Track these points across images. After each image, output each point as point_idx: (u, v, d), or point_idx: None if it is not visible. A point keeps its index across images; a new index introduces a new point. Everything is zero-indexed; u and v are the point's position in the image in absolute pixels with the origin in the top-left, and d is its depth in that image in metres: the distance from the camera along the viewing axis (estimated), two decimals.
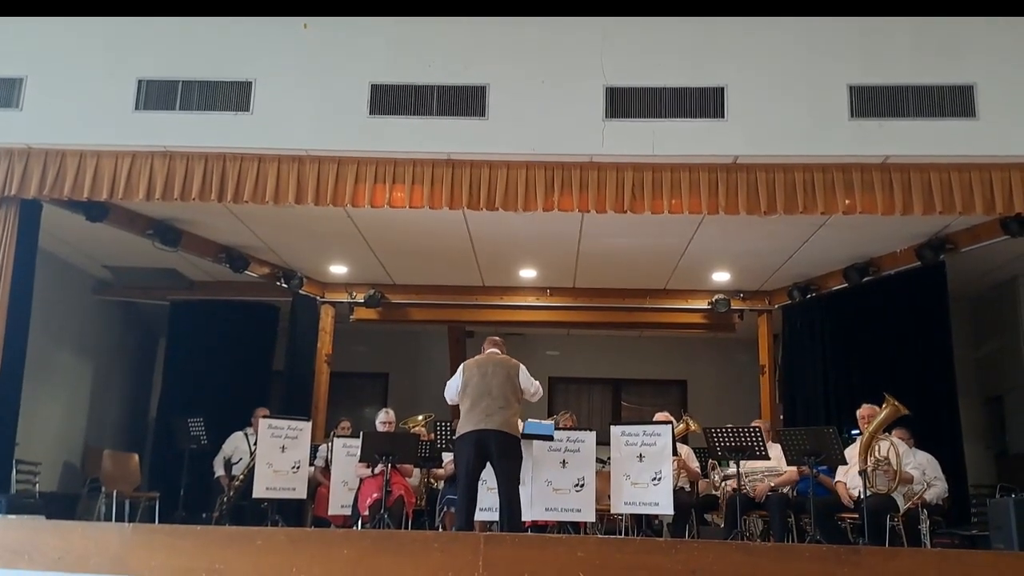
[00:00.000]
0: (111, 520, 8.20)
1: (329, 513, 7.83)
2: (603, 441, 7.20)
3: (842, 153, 6.70)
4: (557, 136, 6.83)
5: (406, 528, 7.30)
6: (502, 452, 6.12)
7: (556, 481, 6.93)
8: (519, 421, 6.54)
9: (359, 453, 7.34)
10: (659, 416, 7.57)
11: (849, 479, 6.81)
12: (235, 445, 8.89)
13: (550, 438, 6.94)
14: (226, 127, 6.97)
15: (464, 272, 9.76)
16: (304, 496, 8.01)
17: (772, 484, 7.17)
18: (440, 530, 7.15)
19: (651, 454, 6.92)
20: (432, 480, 8.21)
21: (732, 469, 7.12)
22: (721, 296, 10.01)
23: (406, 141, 6.88)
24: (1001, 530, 6.37)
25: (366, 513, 7.31)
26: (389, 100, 6.95)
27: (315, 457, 8.49)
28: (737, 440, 6.94)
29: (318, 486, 8.43)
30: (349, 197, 6.93)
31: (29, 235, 7.35)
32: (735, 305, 10.10)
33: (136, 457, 9.76)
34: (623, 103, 6.84)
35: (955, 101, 6.66)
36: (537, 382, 6.48)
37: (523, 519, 6.35)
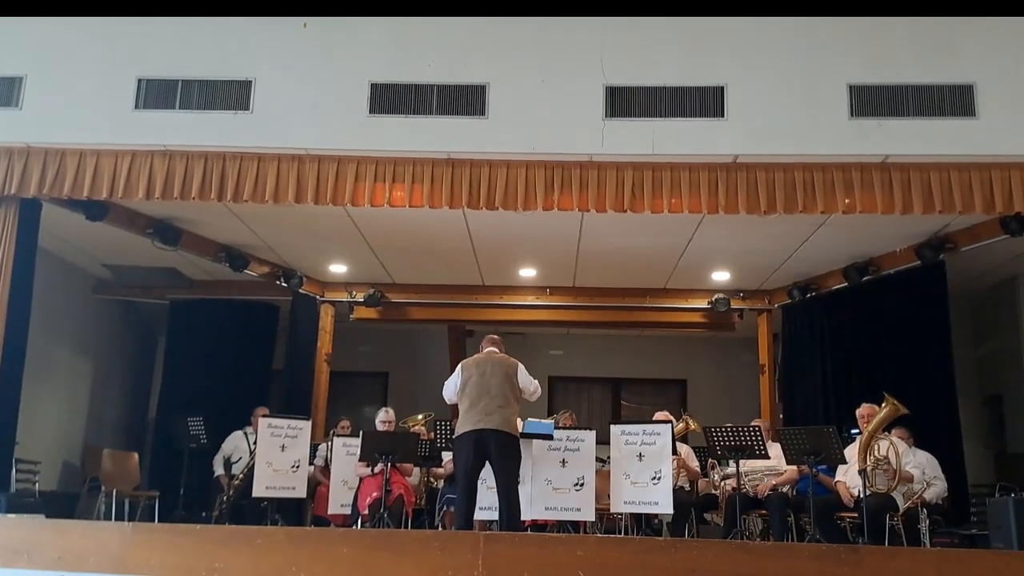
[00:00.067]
0: (111, 519, 8.19)
1: (329, 512, 7.83)
2: (603, 440, 7.20)
3: (842, 152, 6.70)
4: (557, 135, 6.83)
5: (406, 527, 7.31)
6: (501, 451, 6.12)
7: (556, 480, 6.94)
8: (518, 420, 6.54)
9: (359, 452, 7.34)
10: (659, 415, 7.57)
11: (849, 478, 6.81)
12: (235, 444, 8.89)
13: (550, 437, 6.95)
14: (226, 126, 6.97)
15: (464, 271, 9.76)
16: (304, 495, 8.02)
17: (774, 483, 7.18)
18: (440, 529, 7.15)
19: (651, 453, 6.93)
20: (432, 479, 8.21)
21: (732, 468, 7.12)
22: (721, 295, 10.01)
23: (406, 140, 6.89)
24: (1000, 529, 6.37)
25: (366, 512, 7.32)
26: (389, 99, 6.95)
27: (315, 456, 8.49)
28: (737, 439, 6.94)
29: (318, 485, 8.43)
30: (349, 196, 6.93)
31: (29, 234, 7.35)
32: (735, 304, 10.10)
33: (136, 456, 9.76)
34: (623, 102, 6.85)
35: (955, 100, 6.66)
36: (536, 381, 6.48)
37: (523, 518, 6.36)
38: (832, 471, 7.02)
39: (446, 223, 8.01)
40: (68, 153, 7.02)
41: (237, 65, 7.08)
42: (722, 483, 7.67)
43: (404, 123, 6.91)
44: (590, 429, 7.24)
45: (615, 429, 7.16)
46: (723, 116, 6.78)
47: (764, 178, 6.77)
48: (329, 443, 8.41)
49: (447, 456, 7.51)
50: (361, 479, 7.58)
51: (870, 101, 6.71)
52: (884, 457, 6.58)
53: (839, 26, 6.86)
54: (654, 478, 6.86)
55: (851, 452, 6.80)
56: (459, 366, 6.50)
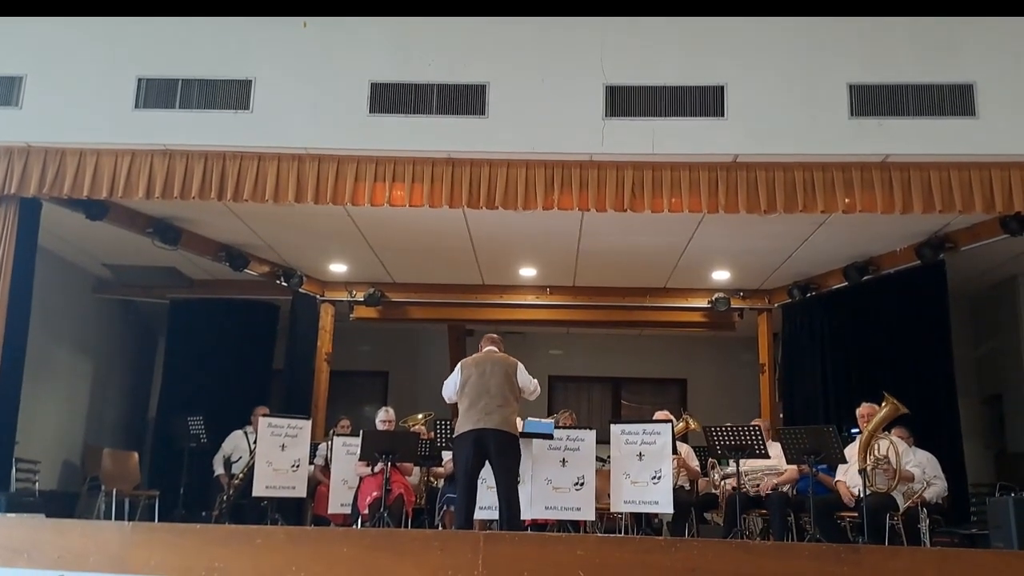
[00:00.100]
0: (111, 519, 8.19)
1: (329, 512, 7.83)
2: (603, 440, 7.19)
3: (842, 152, 6.70)
4: (557, 135, 6.83)
5: (406, 527, 7.30)
6: (500, 450, 6.12)
7: (556, 480, 6.94)
8: (518, 419, 6.54)
9: (359, 452, 7.33)
10: (659, 415, 7.57)
11: (849, 478, 6.81)
12: (235, 444, 8.89)
13: (550, 436, 6.95)
14: (226, 126, 6.97)
15: (464, 271, 9.76)
16: (304, 495, 8.02)
17: (775, 482, 7.17)
18: (440, 529, 7.15)
19: (651, 453, 6.93)
20: (432, 479, 8.21)
21: (732, 468, 7.12)
22: (721, 295, 10.01)
23: (406, 139, 6.89)
24: (1000, 529, 6.37)
25: (366, 512, 7.32)
26: (389, 98, 6.95)
27: (315, 456, 8.49)
28: (737, 439, 6.94)
29: (318, 484, 8.43)
30: (349, 195, 6.93)
31: (29, 233, 7.35)
32: (735, 304, 10.10)
33: (136, 456, 9.77)
34: (623, 102, 6.85)
35: (955, 100, 6.67)
36: (535, 380, 6.49)
37: (523, 518, 6.36)
38: (832, 470, 7.01)
39: (446, 222, 8.01)
40: (68, 152, 7.02)
41: (237, 65, 7.08)
42: (722, 483, 7.68)
43: (404, 123, 6.91)
44: (590, 428, 7.24)
45: (615, 428, 7.16)
46: (723, 116, 6.78)
47: (764, 177, 6.77)
48: (329, 442, 8.41)
49: (447, 455, 7.51)
50: (361, 478, 7.58)
51: (870, 101, 6.71)
52: (884, 456, 6.58)
53: (839, 26, 6.86)
54: (654, 477, 6.86)
55: (851, 451, 6.79)
56: (458, 365, 6.50)
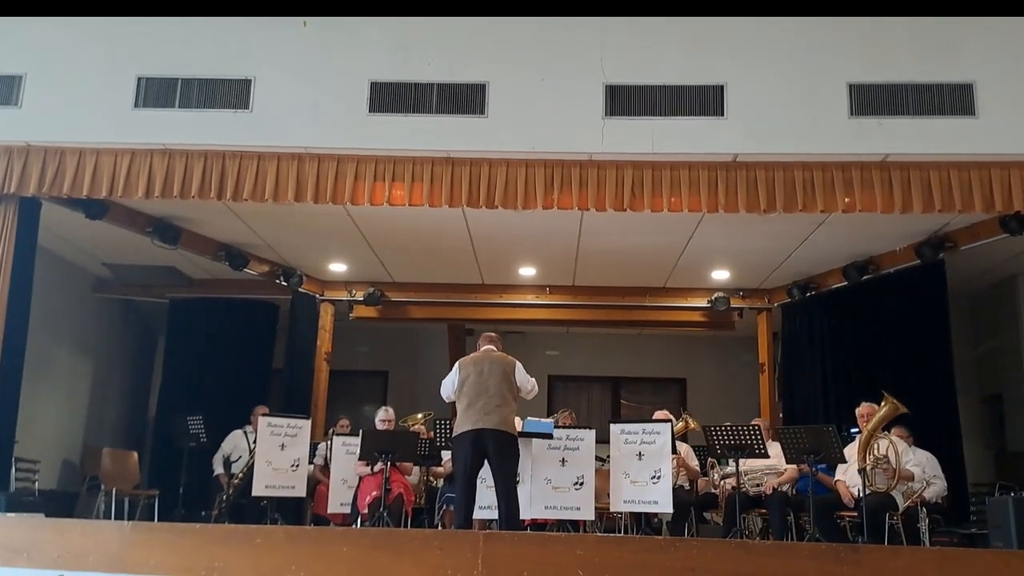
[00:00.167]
0: (110, 518, 8.20)
1: (328, 511, 7.83)
2: (602, 439, 7.20)
3: (841, 151, 6.70)
4: (557, 134, 6.83)
5: (405, 526, 7.30)
6: (499, 450, 6.12)
7: (555, 479, 6.94)
8: (517, 419, 6.54)
9: (358, 451, 7.33)
10: (658, 414, 7.57)
11: (848, 477, 6.81)
12: (234, 443, 8.89)
13: (549, 436, 6.95)
14: (225, 125, 6.97)
15: (464, 270, 9.76)
16: (303, 494, 8.02)
17: (776, 483, 7.17)
18: (439, 528, 7.15)
19: (650, 452, 6.93)
20: (431, 478, 8.21)
21: (731, 467, 7.12)
22: (720, 294, 10.00)
23: (405, 139, 6.89)
24: (1000, 529, 6.37)
25: (365, 511, 7.32)
26: (389, 98, 6.95)
27: (314, 455, 8.49)
28: (736, 438, 6.95)
29: (317, 484, 8.44)
30: (348, 195, 6.93)
31: (28, 233, 7.35)
32: (734, 303, 10.09)
33: (135, 455, 9.77)
34: (623, 101, 6.85)
35: (954, 99, 6.67)
36: (533, 379, 6.49)
37: (522, 517, 6.36)
38: (832, 470, 7.02)
39: (446, 222, 8.01)
40: (68, 152, 7.02)
41: (237, 64, 7.08)
42: (722, 482, 7.68)
43: (404, 122, 6.91)
44: (590, 428, 7.25)
45: (615, 428, 7.16)
46: (723, 115, 6.78)
47: (764, 177, 6.77)
48: (329, 442, 8.41)
49: (447, 455, 7.50)
50: (361, 478, 7.58)
51: (870, 100, 6.71)
52: (884, 456, 6.59)
53: (839, 26, 6.86)
54: (654, 477, 6.86)
55: (851, 451, 6.80)
56: (456, 364, 6.50)
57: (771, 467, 7.36)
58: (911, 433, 7.19)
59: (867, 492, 6.46)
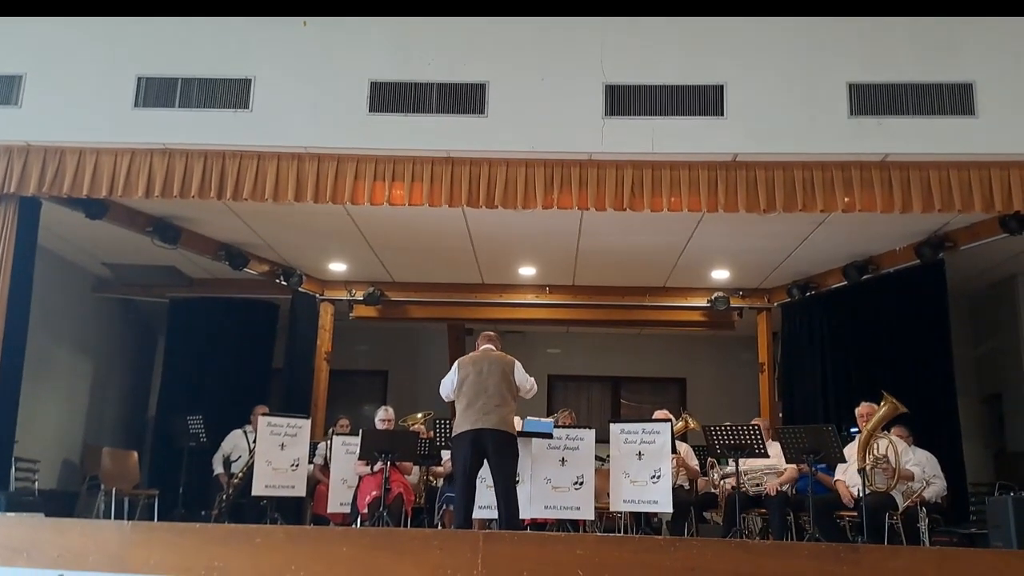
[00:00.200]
0: (110, 518, 8.20)
1: (328, 511, 7.83)
2: (602, 439, 7.20)
3: (841, 151, 6.70)
4: (556, 134, 6.83)
5: (405, 526, 7.31)
6: (498, 450, 6.12)
7: (555, 479, 6.94)
8: (516, 418, 6.54)
9: (358, 451, 7.33)
10: (658, 414, 7.57)
11: (848, 477, 6.82)
12: (234, 443, 8.89)
13: (549, 436, 6.95)
14: (225, 124, 6.97)
15: (463, 270, 9.76)
16: (303, 494, 8.02)
17: (778, 483, 7.16)
18: (439, 528, 7.15)
19: (650, 452, 6.93)
20: (431, 478, 8.21)
21: (731, 467, 7.12)
22: (720, 294, 10.00)
23: (405, 139, 6.89)
24: (999, 528, 6.37)
25: (365, 511, 7.32)
26: (388, 97, 6.95)
27: (314, 455, 8.49)
28: (736, 438, 6.95)
29: (317, 484, 8.44)
30: (348, 195, 6.93)
31: (28, 232, 7.35)
32: (734, 303, 10.09)
33: (135, 455, 9.77)
34: (622, 101, 6.85)
35: (954, 99, 6.67)
36: (532, 378, 6.49)
37: (522, 517, 6.36)
38: (831, 470, 7.02)
39: (446, 222, 8.01)
40: (68, 151, 7.02)
41: (237, 63, 7.08)
42: (721, 482, 7.68)
43: (404, 122, 6.91)
44: (589, 428, 7.24)
45: (614, 428, 7.16)
46: (723, 115, 6.78)
47: (764, 177, 6.77)
48: (328, 442, 8.41)
49: (446, 455, 7.50)
50: (360, 478, 7.58)
51: (870, 100, 6.71)
52: (883, 456, 6.59)
53: (839, 26, 6.86)
54: (653, 477, 6.87)
55: (850, 451, 6.80)
56: (455, 364, 6.50)
57: (771, 467, 7.36)
58: (911, 433, 7.19)
59: (867, 492, 6.47)
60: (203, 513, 8.50)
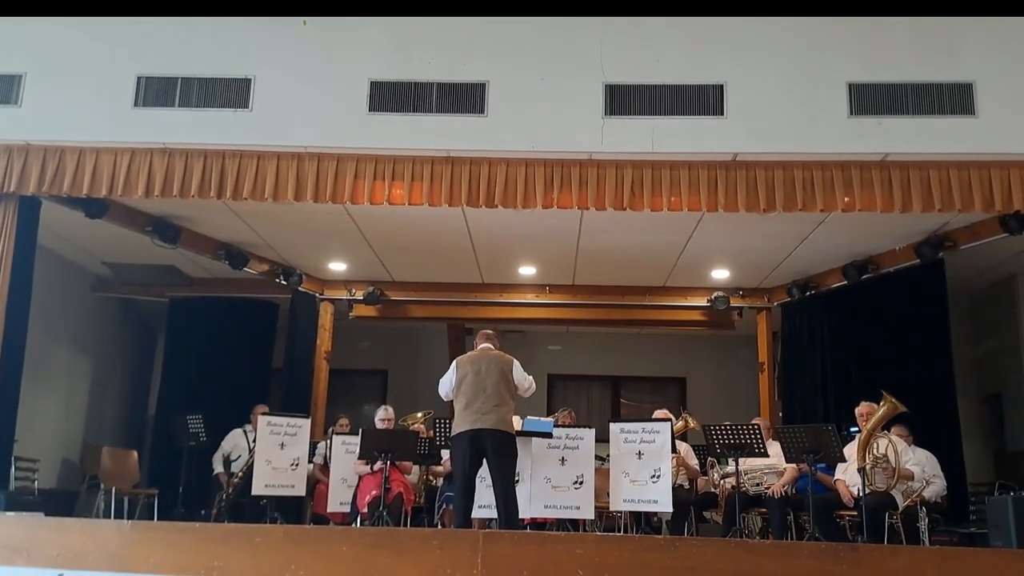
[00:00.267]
0: (110, 517, 8.20)
1: (328, 510, 7.83)
2: (602, 438, 7.20)
3: (841, 151, 6.70)
4: (556, 133, 6.83)
5: (405, 525, 7.31)
6: (497, 450, 6.12)
7: (555, 478, 6.94)
8: (515, 418, 6.54)
9: (358, 450, 7.33)
10: (658, 413, 7.57)
11: (848, 477, 6.82)
12: (234, 442, 8.88)
13: (549, 435, 6.95)
14: (225, 124, 6.97)
15: (463, 269, 9.76)
16: (303, 493, 8.02)
17: (780, 483, 7.16)
18: (439, 527, 7.15)
19: (650, 451, 6.93)
20: (431, 477, 8.21)
21: (731, 467, 7.12)
22: (720, 293, 10.01)
23: (405, 138, 6.89)
24: (999, 528, 6.37)
25: (365, 510, 7.32)
26: (388, 97, 6.95)
27: (314, 454, 8.49)
28: (736, 438, 6.95)
29: (317, 483, 8.44)
30: (348, 194, 6.93)
31: (28, 232, 7.35)
32: (734, 302, 10.10)
33: (135, 454, 9.77)
34: (622, 100, 6.85)
35: (954, 99, 6.67)
36: (530, 377, 6.50)
37: (522, 516, 6.37)
38: (831, 469, 7.02)
39: (445, 221, 8.01)
40: (67, 151, 7.02)
41: (236, 63, 7.08)
42: (721, 481, 7.68)
43: (404, 121, 6.91)
44: (589, 427, 7.25)
45: (614, 427, 7.16)
46: (723, 114, 6.78)
47: (763, 176, 6.77)
48: (328, 441, 8.41)
49: (446, 454, 7.49)
50: (360, 477, 7.59)
51: (870, 99, 6.71)
52: (883, 455, 6.59)
53: (839, 26, 6.86)
54: (653, 476, 6.87)
55: (850, 450, 6.80)
56: (454, 363, 6.50)
57: (771, 466, 7.36)
58: (911, 432, 7.19)
59: (867, 491, 6.47)
60: (203, 512, 8.50)
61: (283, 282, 9.82)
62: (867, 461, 6.55)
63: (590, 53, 6.93)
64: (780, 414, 9.79)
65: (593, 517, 7.11)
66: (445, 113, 6.90)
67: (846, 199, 6.71)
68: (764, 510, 7.34)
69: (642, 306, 10.32)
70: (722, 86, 6.82)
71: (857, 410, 6.99)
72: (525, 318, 10.71)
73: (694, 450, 8.12)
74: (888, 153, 6.67)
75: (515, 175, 6.88)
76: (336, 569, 4.67)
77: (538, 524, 7.11)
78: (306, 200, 6.93)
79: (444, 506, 7.22)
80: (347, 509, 7.62)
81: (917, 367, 8.43)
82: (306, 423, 7.98)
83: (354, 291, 10.34)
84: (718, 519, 7.70)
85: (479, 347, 6.58)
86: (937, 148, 6.63)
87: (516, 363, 6.43)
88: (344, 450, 7.79)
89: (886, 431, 6.74)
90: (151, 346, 11.81)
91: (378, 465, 7.23)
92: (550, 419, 7.32)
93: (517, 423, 6.63)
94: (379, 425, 7.70)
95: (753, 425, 7.05)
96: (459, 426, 6.19)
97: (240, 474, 8.54)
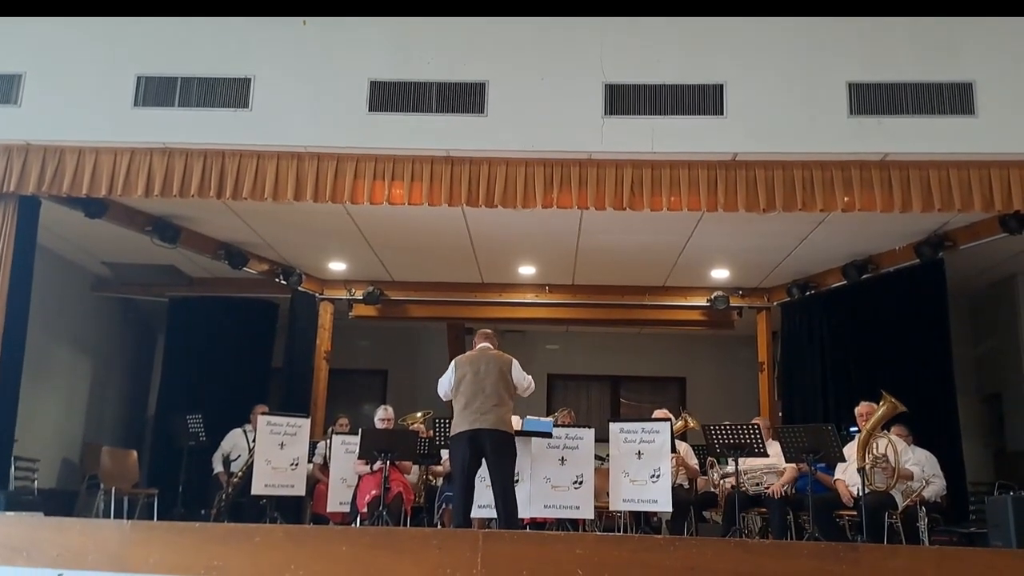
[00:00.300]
0: (109, 517, 8.19)
1: (328, 510, 7.83)
2: (602, 438, 7.20)
3: (841, 150, 6.71)
4: (556, 133, 6.83)
5: (405, 525, 7.31)
6: (496, 450, 6.12)
7: (555, 478, 6.94)
8: (514, 417, 6.54)
9: (358, 450, 7.33)
10: (658, 413, 7.57)
11: (848, 476, 6.82)
12: (234, 442, 8.88)
13: (549, 435, 6.94)
14: (225, 124, 6.97)
15: (463, 269, 9.76)
16: (303, 493, 8.01)
17: (780, 483, 7.16)
18: (439, 527, 7.15)
19: (650, 451, 6.93)
20: (431, 477, 8.21)
21: (731, 467, 7.12)
22: (720, 293, 10.01)
23: (405, 138, 6.89)
24: (999, 528, 6.37)
25: (365, 510, 7.32)
26: (388, 97, 6.95)
27: (314, 454, 8.49)
28: (736, 437, 6.95)
29: (317, 483, 8.43)
30: (348, 194, 6.93)
31: (28, 231, 7.35)
32: (734, 302, 10.10)
33: (135, 454, 9.76)
34: (622, 100, 6.85)
35: (954, 99, 6.67)
36: (529, 377, 6.49)
37: (521, 516, 6.36)
38: (831, 469, 7.02)
39: (445, 221, 8.01)
40: (67, 150, 7.02)
41: (236, 63, 7.08)
42: (721, 481, 7.68)
43: (403, 121, 6.91)
44: (589, 427, 7.24)
45: (614, 427, 7.16)
46: (722, 114, 6.78)
47: (763, 176, 6.77)
48: (328, 441, 8.40)
49: (446, 454, 7.49)
50: (360, 477, 7.58)
51: (869, 99, 6.71)
52: (883, 455, 6.59)
53: (839, 26, 6.87)
54: (653, 476, 6.86)
55: (850, 450, 6.80)
56: (453, 363, 6.49)
57: (770, 466, 7.36)
58: (910, 432, 7.19)
59: (866, 491, 6.47)
60: (202, 512, 8.50)
61: (283, 282, 9.82)
62: (867, 461, 6.55)
63: (590, 53, 6.93)
64: (780, 414, 9.79)
65: (593, 517, 7.11)
66: (445, 113, 6.90)
67: (846, 199, 6.71)
68: (764, 510, 7.34)
69: (642, 306, 10.32)
70: (722, 86, 6.82)
71: (857, 410, 6.99)
72: (525, 318, 10.71)
73: (694, 450, 8.12)
74: (888, 153, 6.67)
75: (515, 175, 6.88)
76: (336, 569, 4.67)
77: (538, 524, 7.11)
78: (306, 200, 6.93)
79: (444, 506, 7.22)
80: (347, 509, 7.62)
81: (917, 367, 8.43)
82: (306, 423, 7.98)
83: (354, 291, 10.34)
84: (718, 519, 7.70)
85: (478, 346, 6.57)
86: (937, 148, 6.63)
87: (515, 363, 6.42)
88: (344, 450, 7.79)
89: (886, 431, 6.74)
90: (151, 346, 11.81)
91: (378, 465, 7.23)
92: (550, 419, 7.31)
93: (516, 423, 6.63)
94: (379, 425, 7.70)
95: (753, 425, 7.05)
96: (458, 426, 6.19)
97: (240, 474, 8.54)
